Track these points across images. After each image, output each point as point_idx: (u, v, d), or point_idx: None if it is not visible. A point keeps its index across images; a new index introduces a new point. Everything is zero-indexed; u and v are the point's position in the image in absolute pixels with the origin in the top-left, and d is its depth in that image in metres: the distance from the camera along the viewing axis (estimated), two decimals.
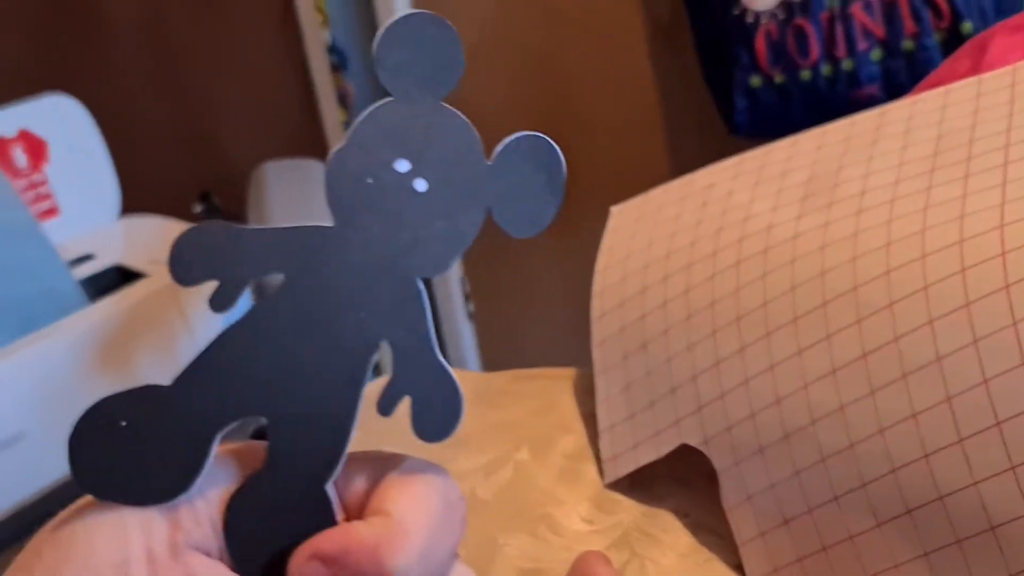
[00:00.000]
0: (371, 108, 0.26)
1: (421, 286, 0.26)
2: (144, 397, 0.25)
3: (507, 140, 0.27)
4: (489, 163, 0.27)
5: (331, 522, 0.26)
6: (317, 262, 0.26)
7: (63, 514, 0.25)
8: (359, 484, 0.27)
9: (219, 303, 0.25)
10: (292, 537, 0.25)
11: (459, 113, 0.27)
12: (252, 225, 0.25)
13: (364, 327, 0.26)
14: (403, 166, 0.26)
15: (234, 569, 0.25)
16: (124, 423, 0.24)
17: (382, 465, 0.27)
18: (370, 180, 0.26)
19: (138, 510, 0.24)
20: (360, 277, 0.26)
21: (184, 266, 0.25)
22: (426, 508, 0.26)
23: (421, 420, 0.26)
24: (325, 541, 0.25)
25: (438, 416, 0.26)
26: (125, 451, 0.24)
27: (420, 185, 0.26)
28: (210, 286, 0.25)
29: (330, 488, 0.26)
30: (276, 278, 0.26)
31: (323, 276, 0.26)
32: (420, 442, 0.26)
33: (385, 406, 0.26)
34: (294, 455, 0.25)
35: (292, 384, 0.25)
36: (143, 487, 0.24)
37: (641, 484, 0.53)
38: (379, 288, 0.26)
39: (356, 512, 0.27)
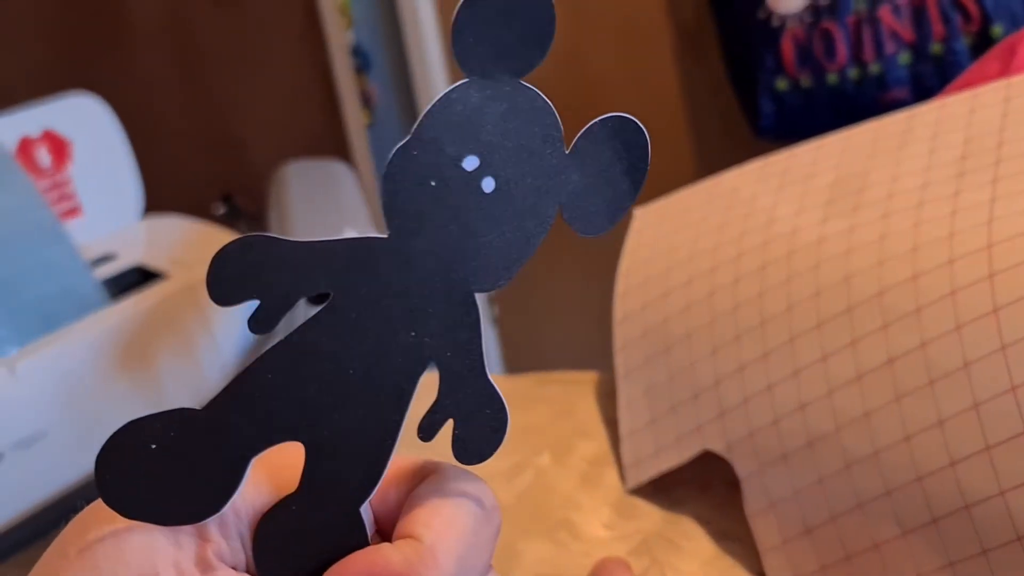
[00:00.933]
0: (443, 94, 0.23)
1: (477, 302, 0.25)
2: (175, 420, 0.23)
3: (590, 125, 0.25)
4: (567, 152, 0.24)
5: (363, 542, 0.25)
6: (368, 278, 0.24)
7: (88, 515, 0.24)
8: (392, 496, 0.26)
9: (260, 324, 0.23)
10: (322, 556, 0.24)
11: (540, 93, 0.24)
12: (295, 236, 0.23)
13: (414, 349, 0.24)
14: (471, 163, 0.24)
15: None
16: (154, 446, 0.23)
17: (415, 476, 0.27)
18: (433, 183, 0.23)
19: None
20: (414, 294, 0.24)
21: (225, 285, 0.23)
22: (458, 531, 0.25)
23: (462, 444, 0.25)
24: (355, 569, 0.24)
25: (481, 440, 0.25)
26: (155, 473, 0.23)
27: (488, 184, 0.24)
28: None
29: (364, 507, 0.25)
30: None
31: (374, 294, 0.24)
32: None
33: (428, 431, 0.24)
34: (331, 479, 0.24)
35: (333, 408, 0.24)
36: (173, 509, 0.23)
37: (662, 490, 0.52)
38: (433, 306, 0.24)
39: (388, 524, 0.26)
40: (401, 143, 0.24)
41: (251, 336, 0.80)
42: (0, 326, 0.77)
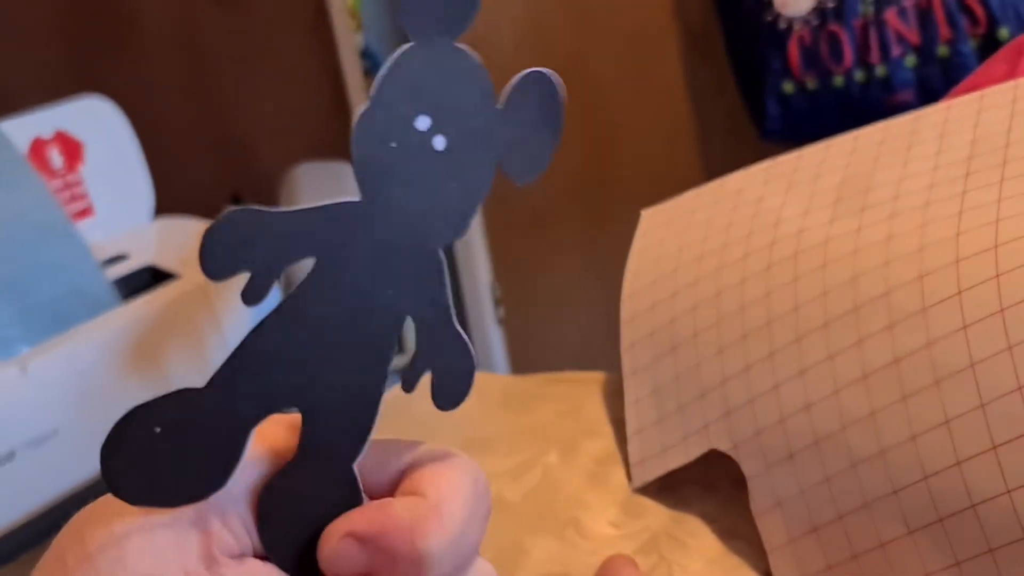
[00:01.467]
0: (393, 58, 0.25)
1: (442, 256, 0.26)
2: (178, 401, 0.24)
3: (517, 80, 0.26)
4: (500, 108, 0.26)
5: (358, 500, 0.26)
6: (347, 241, 0.25)
7: (85, 521, 0.24)
8: (391, 467, 0.27)
9: (252, 295, 0.24)
10: (320, 518, 0.25)
11: (472, 53, 0.26)
12: (280, 207, 0.24)
13: (392, 305, 0.25)
14: (423, 123, 0.25)
15: (266, 555, 0.25)
16: (159, 429, 0.24)
17: (412, 451, 0.27)
18: (394, 144, 0.25)
19: (170, 525, 0.24)
20: (387, 253, 0.25)
21: (216, 260, 0.24)
22: (461, 493, 0.25)
23: (442, 391, 0.26)
24: (361, 520, 0.24)
25: (456, 385, 0.26)
26: (160, 456, 0.24)
27: (439, 143, 0.25)
28: (236, 285, 0.24)
29: (355, 467, 0.26)
30: (302, 266, 0.25)
31: (352, 255, 0.25)
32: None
33: (410, 383, 0.26)
34: (326, 441, 0.25)
35: (324, 371, 0.25)
36: (177, 488, 0.24)
37: (669, 489, 0.52)
38: (405, 263, 0.25)
39: (383, 494, 0.26)
40: (363, 108, 0.25)
41: None
42: (12, 326, 0.78)
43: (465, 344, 0.26)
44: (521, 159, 0.26)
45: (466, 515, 0.25)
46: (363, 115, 0.25)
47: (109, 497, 0.24)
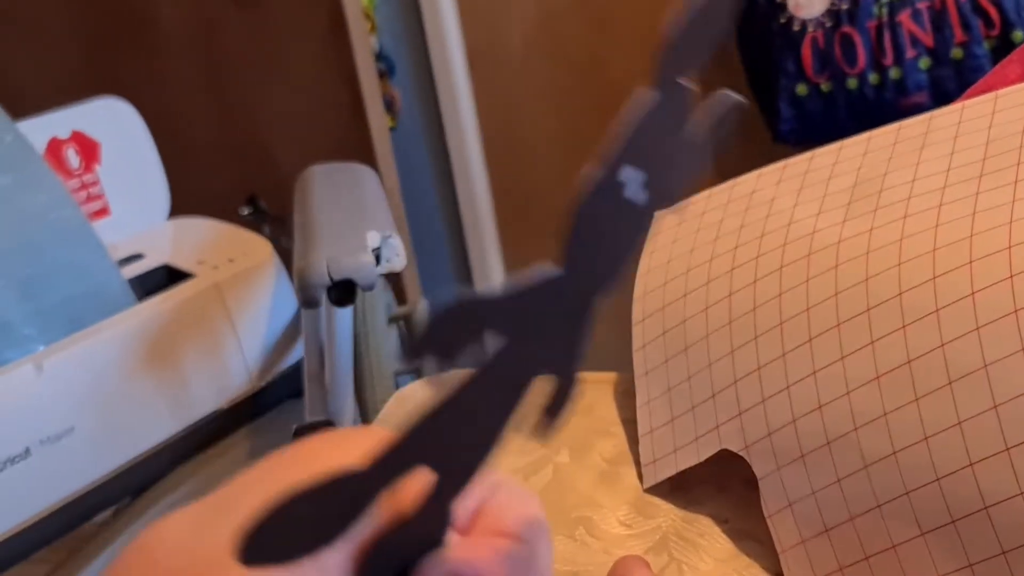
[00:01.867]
0: (637, 115, 0.23)
1: (596, 308, 0.25)
2: (336, 485, 0.23)
3: (714, 104, 0.24)
4: (691, 141, 0.24)
5: (444, 537, 0.26)
6: (538, 315, 0.24)
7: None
8: (468, 499, 0.27)
9: (440, 367, 0.24)
10: (414, 553, 0.25)
11: (693, 88, 0.24)
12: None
13: (546, 363, 0.25)
14: (635, 178, 0.23)
15: None
16: (307, 509, 0.23)
17: (488, 483, 0.27)
18: (607, 206, 0.23)
19: None
20: (568, 318, 0.24)
21: (433, 348, 0.23)
22: (546, 537, 0.26)
23: (547, 425, 0.26)
24: (463, 562, 0.25)
25: (559, 418, 0.26)
26: (291, 526, 0.23)
27: (643, 197, 0.23)
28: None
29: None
30: None
31: (540, 328, 0.24)
32: None
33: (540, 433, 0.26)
34: (446, 491, 0.25)
35: (468, 432, 0.24)
36: (292, 548, 0.23)
37: (680, 489, 0.53)
38: (577, 324, 0.24)
39: (460, 527, 0.27)
40: (595, 174, 0.23)
41: (274, 336, 0.81)
42: (29, 325, 0.78)
43: (578, 382, 0.25)
44: (675, 187, 0.25)
45: (550, 561, 0.26)
46: (597, 183, 0.23)
47: (174, 535, 0.24)
